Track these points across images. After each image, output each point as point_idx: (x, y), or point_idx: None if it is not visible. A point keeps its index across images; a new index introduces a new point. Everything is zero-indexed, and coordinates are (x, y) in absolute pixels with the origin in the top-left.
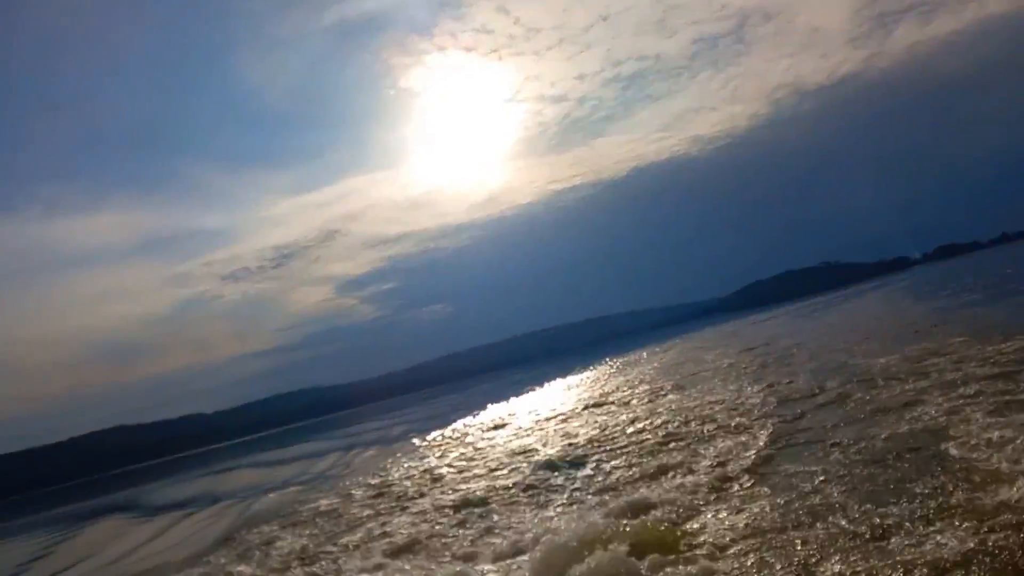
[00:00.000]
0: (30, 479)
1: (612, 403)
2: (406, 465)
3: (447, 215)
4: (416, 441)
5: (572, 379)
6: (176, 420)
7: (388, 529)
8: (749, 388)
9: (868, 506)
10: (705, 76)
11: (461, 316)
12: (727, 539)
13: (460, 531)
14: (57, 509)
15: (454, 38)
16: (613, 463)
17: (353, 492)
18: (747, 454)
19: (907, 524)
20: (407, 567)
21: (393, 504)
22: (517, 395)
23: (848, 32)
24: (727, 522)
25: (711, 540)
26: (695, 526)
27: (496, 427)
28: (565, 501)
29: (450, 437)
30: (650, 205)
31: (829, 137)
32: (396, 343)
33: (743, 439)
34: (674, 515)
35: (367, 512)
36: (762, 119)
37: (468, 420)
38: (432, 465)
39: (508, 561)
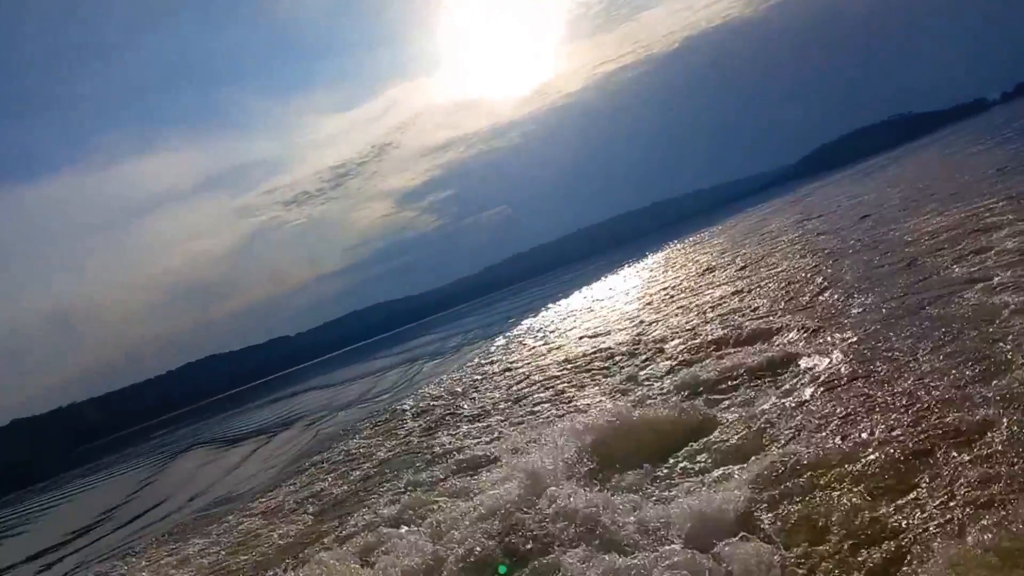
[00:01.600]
0: (136, 412)
1: (670, 292)
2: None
3: (496, 114)
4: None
5: (633, 269)
6: (263, 344)
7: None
8: (798, 263)
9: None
10: None
11: (522, 215)
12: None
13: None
14: (154, 441)
15: None
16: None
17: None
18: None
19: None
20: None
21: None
22: (581, 289)
23: None
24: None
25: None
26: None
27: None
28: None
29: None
30: (706, 77)
31: None
32: (462, 249)
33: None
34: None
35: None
36: None
37: (538, 318)
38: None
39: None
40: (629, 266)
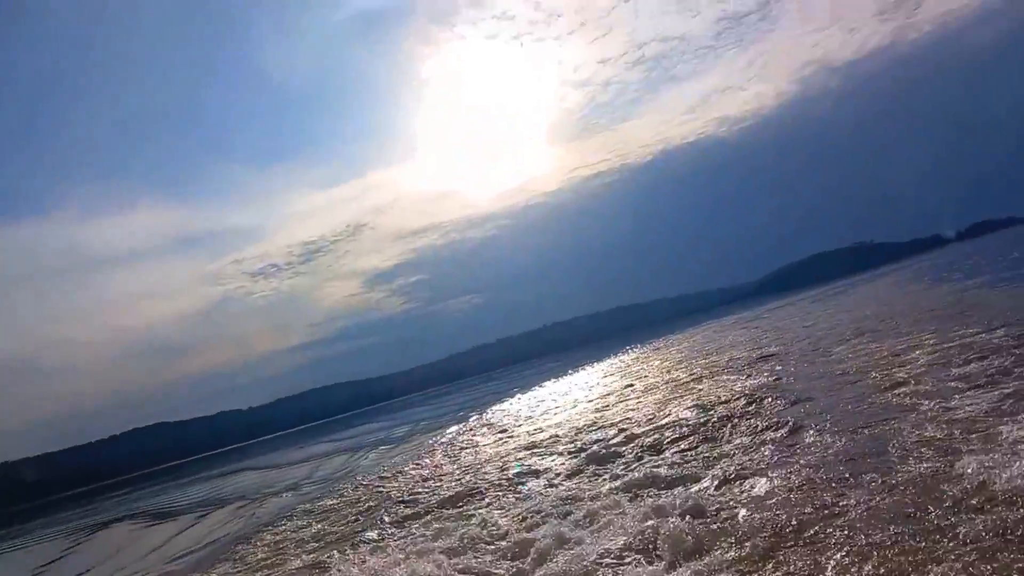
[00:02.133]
0: (69, 477)
1: (624, 395)
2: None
3: (473, 205)
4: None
5: (593, 370)
6: (214, 416)
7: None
8: (739, 381)
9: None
10: (731, 55)
11: (491, 306)
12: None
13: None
14: (81, 510)
15: (475, 26)
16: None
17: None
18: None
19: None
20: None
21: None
22: (539, 386)
23: (876, 4)
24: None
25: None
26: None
27: (506, 427)
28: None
29: (474, 428)
30: (678, 189)
31: (859, 113)
32: (428, 335)
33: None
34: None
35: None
36: (790, 97)
37: (491, 413)
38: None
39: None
40: (586, 368)
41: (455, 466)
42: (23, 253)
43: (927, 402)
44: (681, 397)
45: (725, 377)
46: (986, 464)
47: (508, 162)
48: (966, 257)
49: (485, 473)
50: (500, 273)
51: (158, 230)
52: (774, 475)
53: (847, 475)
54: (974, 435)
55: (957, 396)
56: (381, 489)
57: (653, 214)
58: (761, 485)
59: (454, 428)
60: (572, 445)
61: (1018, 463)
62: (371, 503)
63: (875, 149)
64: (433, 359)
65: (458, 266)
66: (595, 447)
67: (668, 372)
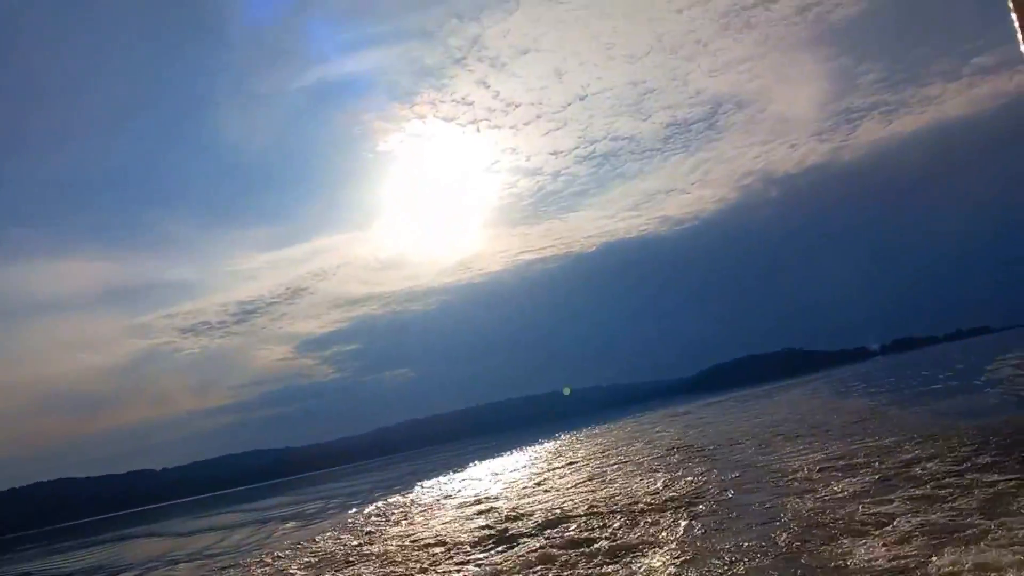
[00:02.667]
0: None
1: (536, 487)
2: (334, 539)
3: (416, 278)
4: (354, 513)
5: (517, 456)
6: (123, 475)
7: None
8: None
9: None
10: (677, 159)
11: (423, 382)
12: None
13: None
14: None
15: (434, 107)
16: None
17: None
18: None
19: None
20: None
21: None
22: (464, 468)
23: (816, 125)
24: None
25: None
26: None
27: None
28: None
29: (381, 514)
30: (618, 281)
31: (795, 225)
32: (356, 406)
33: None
34: None
35: None
36: (730, 203)
37: (411, 493)
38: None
39: None
40: (513, 452)
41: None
42: None
43: (811, 500)
44: (592, 488)
45: (637, 469)
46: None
47: (455, 239)
48: (884, 371)
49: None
50: (436, 349)
51: (90, 279)
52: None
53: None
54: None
55: (840, 499)
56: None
57: (593, 303)
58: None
59: (367, 508)
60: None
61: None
62: None
63: (809, 259)
64: (360, 432)
65: (395, 338)
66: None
67: (585, 462)
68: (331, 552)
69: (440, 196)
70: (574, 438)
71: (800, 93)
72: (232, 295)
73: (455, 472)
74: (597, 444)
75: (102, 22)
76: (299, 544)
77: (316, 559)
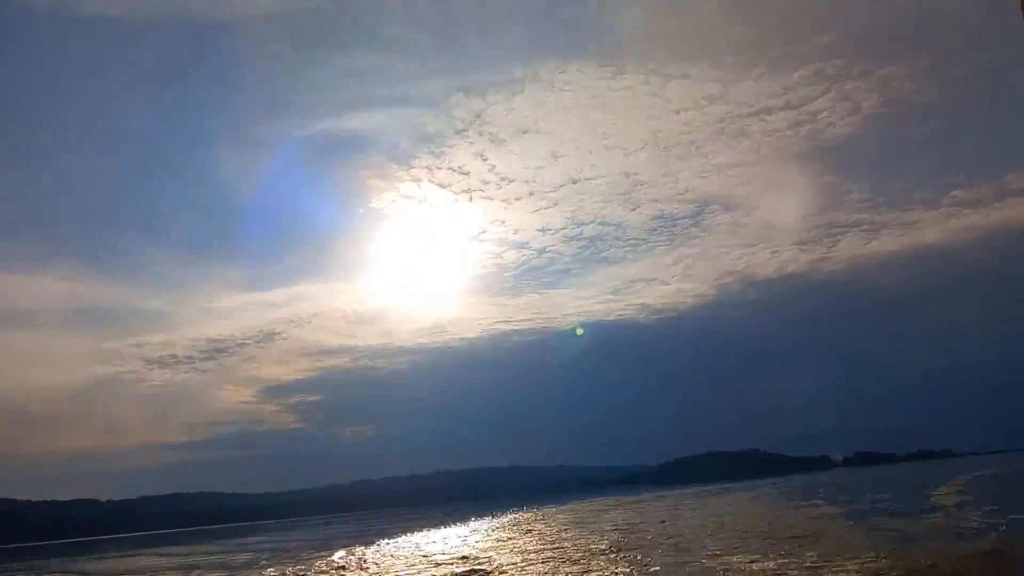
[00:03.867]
0: None
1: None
2: None
3: (391, 335)
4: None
5: (463, 530)
6: (66, 503)
7: None
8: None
9: None
10: (660, 250)
11: (383, 441)
12: None
13: None
14: None
15: (430, 172)
16: None
17: None
18: None
19: None
20: None
21: None
22: (410, 534)
23: (798, 235)
24: None
25: None
26: None
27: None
28: None
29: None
30: (593, 362)
31: (770, 329)
32: (311, 459)
33: None
34: None
35: None
36: (708, 300)
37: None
38: None
39: None
40: (466, 524)
41: None
42: None
43: None
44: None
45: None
46: None
47: (435, 301)
48: (840, 484)
49: None
50: (401, 410)
51: (60, 297)
52: None
53: None
54: None
55: None
56: None
57: (566, 381)
58: None
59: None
60: None
61: None
62: None
63: (781, 364)
64: (312, 486)
65: (360, 395)
66: None
67: (530, 545)
68: None
69: (425, 257)
70: (527, 516)
71: (786, 202)
72: (204, 331)
73: (392, 538)
74: (547, 524)
75: (103, 48)
76: None
77: None
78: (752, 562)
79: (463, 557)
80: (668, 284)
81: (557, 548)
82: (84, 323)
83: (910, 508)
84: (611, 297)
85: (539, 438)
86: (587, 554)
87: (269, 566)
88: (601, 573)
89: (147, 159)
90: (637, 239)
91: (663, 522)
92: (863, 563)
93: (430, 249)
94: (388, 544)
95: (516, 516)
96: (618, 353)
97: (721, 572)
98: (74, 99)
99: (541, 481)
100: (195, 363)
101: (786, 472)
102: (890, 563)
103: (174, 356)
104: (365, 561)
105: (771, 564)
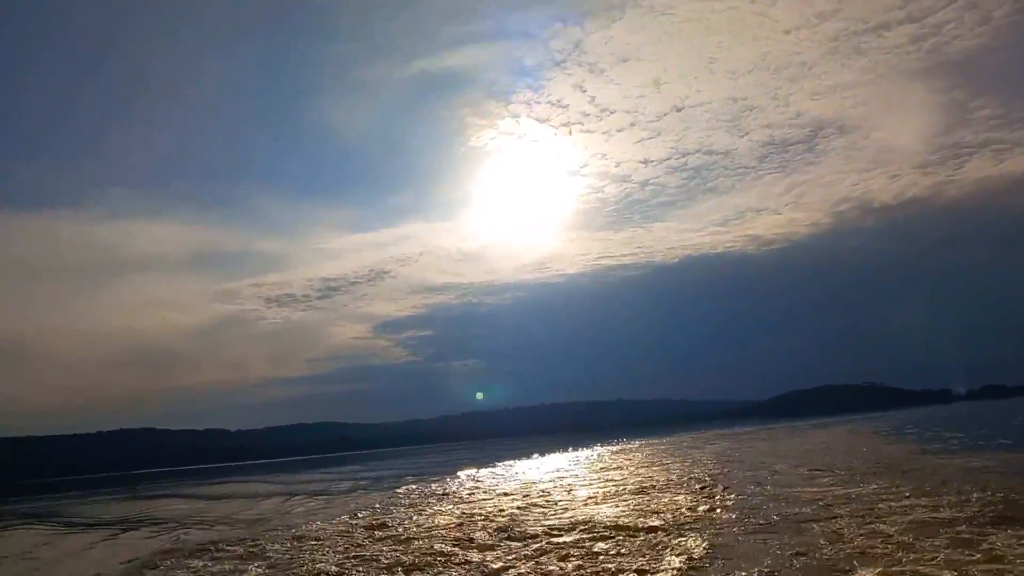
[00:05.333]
0: (57, 465)
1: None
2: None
3: (495, 272)
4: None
5: (572, 457)
6: (201, 432)
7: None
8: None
9: None
10: (771, 179)
11: (492, 375)
12: None
13: None
14: (40, 502)
15: (529, 107)
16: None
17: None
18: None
19: None
20: None
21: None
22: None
23: (920, 157)
24: None
25: None
26: None
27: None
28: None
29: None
30: (698, 296)
31: (889, 258)
32: (425, 392)
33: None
34: None
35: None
36: (823, 229)
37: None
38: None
39: None
40: (575, 451)
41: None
42: (49, 243)
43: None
44: (634, 495)
45: (685, 485)
46: None
47: (536, 238)
48: (960, 417)
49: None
50: (507, 344)
51: (182, 243)
52: None
53: None
54: None
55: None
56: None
57: (670, 316)
58: None
59: (431, 487)
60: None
61: None
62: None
63: (900, 294)
64: (425, 416)
65: (468, 330)
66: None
67: (638, 470)
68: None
69: (526, 194)
70: (633, 447)
71: (906, 123)
72: (317, 271)
73: (504, 465)
74: (645, 454)
75: (215, 8)
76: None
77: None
78: (833, 489)
79: (553, 481)
80: (779, 214)
81: (644, 476)
82: (205, 266)
83: None
84: (718, 229)
85: (644, 372)
86: (668, 483)
87: (382, 489)
88: (678, 499)
89: (256, 108)
90: (746, 167)
91: (755, 452)
92: (959, 498)
93: (530, 185)
94: (490, 471)
95: (615, 447)
96: (726, 286)
97: (796, 501)
98: (184, 52)
99: (646, 415)
100: (311, 301)
101: (904, 406)
102: (988, 499)
103: (291, 295)
104: (478, 481)
105: (855, 490)
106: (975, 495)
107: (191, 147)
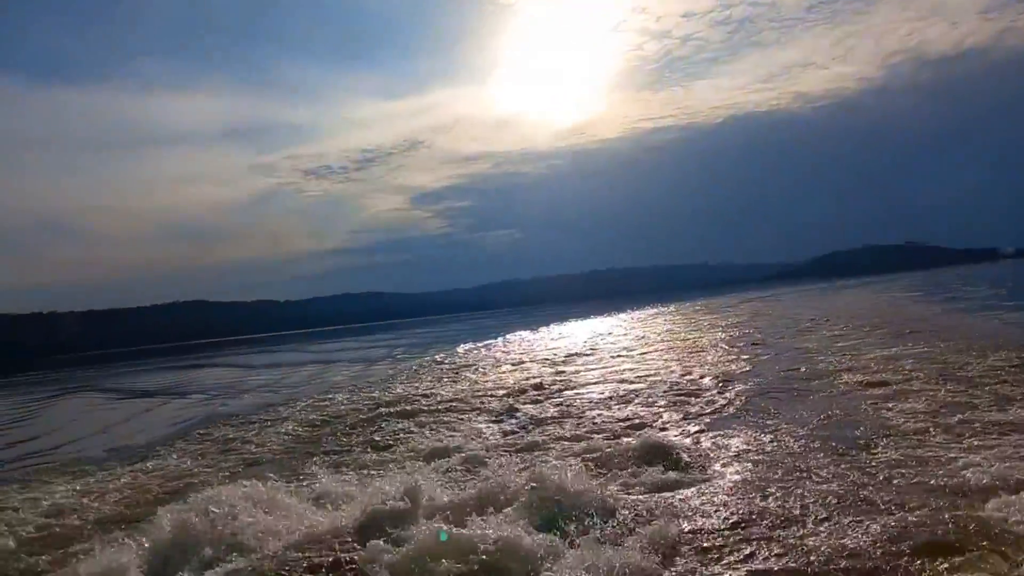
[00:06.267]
0: (116, 335)
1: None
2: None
3: (531, 139)
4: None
5: (610, 320)
6: (250, 303)
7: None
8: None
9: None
10: (819, 31)
11: (530, 244)
12: None
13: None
14: (94, 372)
15: None
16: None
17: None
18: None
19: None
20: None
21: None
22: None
23: (983, 1)
24: None
25: None
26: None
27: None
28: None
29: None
30: (740, 158)
31: (942, 114)
32: (463, 262)
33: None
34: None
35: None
36: (874, 84)
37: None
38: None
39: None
40: (612, 315)
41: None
42: (83, 119)
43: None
44: (676, 360)
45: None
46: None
47: (572, 101)
48: (1007, 275)
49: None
50: (545, 212)
51: (214, 113)
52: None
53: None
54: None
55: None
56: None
57: (712, 178)
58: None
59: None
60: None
61: None
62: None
63: (952, 153)
64: (465, 286)
65: (505, 199)
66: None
67: (672, 330)
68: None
69: (562, 55)
70: (661, 311)
71: None
72: (352, 142)
73: (545, 329)
74: (680, 316)
75: None
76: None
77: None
78: (857, 347)
79: (590, 341)
80: (827, 68)
81: (676, 335)
82: (240, 137)
83: None
84: (762, 86)
85: (684, 238)
86: (698, 341)
87: (421, 356)
88: (706, 356)
89: None
90: (793, 19)
91: (784, 313)
92: (972, 353)
93: (566, 45)
94: (534, 334)
95: (652, 311)
96: (769, 148)
97: (817, 358)
98: None
99: (685, 280)
100: (348, 173)
101: (948, 264)
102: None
103: (327, 167)
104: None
105: (881, 353)
106: (991, 351)
107: (218, 13)
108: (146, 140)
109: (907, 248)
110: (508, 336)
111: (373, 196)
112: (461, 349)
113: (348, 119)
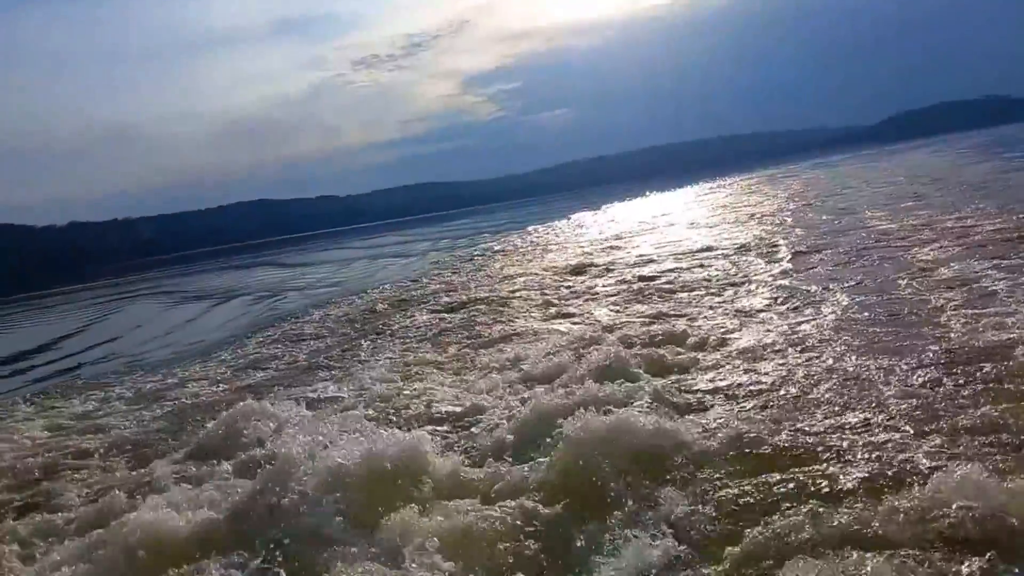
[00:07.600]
0: (188, 238)
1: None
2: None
3: (580, 10)
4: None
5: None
6: (313, 200)
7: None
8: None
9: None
10: None
11: (585, 123)
12: None
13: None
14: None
15: None
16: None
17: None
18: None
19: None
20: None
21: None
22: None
23: None
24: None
25: None
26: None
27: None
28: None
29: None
30: (807, 21)
31: None
32: (517, 146)
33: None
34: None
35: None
36: None
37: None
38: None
39: None
40: (672, 191)
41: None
42: (128, 26)
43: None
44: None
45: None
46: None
47: None
48: None
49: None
50: (599, 89)
51: (261, 8)
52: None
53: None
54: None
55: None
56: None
57: (774, 44)
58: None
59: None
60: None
61: None
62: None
63: None
64: (519, 171)
65: (556, 77)
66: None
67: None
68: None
69: None
70: (721, 184)
71: None
72: (397, 27)
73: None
74: (735, 189)
75: None
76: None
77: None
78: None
79: (650, 219)
80: None
81: (728, 209)
82: (288, 31)
83: None
84: None
85: (744, 106)
86: (751, 213)
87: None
88: (752, 232)
89: None
90: None
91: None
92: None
93: None
94: (595, 214)
95: (712, 184)
96: (834, 7)
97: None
98: None
99: (746, 148)
100: (396, 60)
101: None
102: None
103: (376, 55)
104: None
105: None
106: None
107: None
108: (199, 42)
109: (988, 102)
110: (576, 216)
111: (423, 83)
112: (531, 229)
113: (392, 3)
